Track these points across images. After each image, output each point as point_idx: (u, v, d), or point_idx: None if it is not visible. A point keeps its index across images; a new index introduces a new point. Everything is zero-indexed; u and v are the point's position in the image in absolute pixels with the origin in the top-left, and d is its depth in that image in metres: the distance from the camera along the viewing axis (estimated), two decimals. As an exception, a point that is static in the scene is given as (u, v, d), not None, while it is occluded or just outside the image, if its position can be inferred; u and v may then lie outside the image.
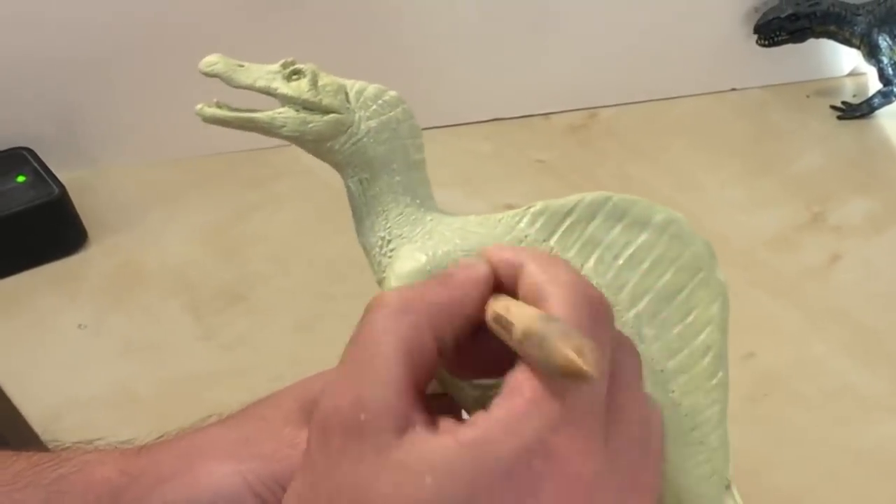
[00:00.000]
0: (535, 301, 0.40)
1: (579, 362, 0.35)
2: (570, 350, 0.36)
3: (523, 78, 1.22)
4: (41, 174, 1.07)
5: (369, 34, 1.16)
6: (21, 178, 1.06)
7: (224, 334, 0.94)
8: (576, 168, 1.13)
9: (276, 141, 0.51)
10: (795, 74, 1.26)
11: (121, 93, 1.15)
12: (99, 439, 0.58)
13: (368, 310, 0.40)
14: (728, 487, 0.50)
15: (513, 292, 0.42)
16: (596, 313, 0.40)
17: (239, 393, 0.57)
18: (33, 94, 1.12)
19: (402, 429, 0.37)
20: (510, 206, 0.48)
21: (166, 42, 1.11)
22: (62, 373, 0.91)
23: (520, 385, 0.37)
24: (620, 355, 0.41)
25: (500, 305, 0.41)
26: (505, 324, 0.40)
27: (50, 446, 0.59)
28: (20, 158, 1.09)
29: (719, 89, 1.26)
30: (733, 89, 1.26)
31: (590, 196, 0.48)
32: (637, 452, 0.40)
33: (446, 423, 0.38)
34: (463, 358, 0.42)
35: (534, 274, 0.41)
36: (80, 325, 0.96)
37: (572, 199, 0.48)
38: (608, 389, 0.39)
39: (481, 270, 0.42)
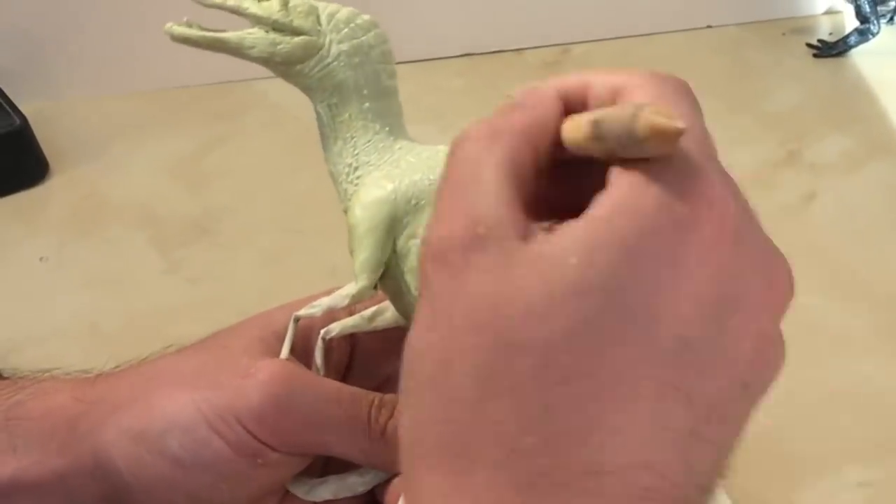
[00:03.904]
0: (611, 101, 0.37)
1: (662, 118, 0.32)
2: (650, 112, 0.32)
3: (495, 12, 1.20)
4: (2, 105, 1.05)
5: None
6: (-19, 109, 1.04)
7: (189, 268, 0.93)
8: (549, 104, 1.12)
9: (242, 74, 0.50)
10: (771, 12, 1.25)
11: (85, 23, 1.13)
12: (56, 368, 0.57)
13: (455, 146, 0.37)
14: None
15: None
16: (686, 96, 0.37)
17: (203, 327, 0.56)
18: (-7, 23, 1.10)
19: (524, 236, 0.34)
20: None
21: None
22: (23, 305, 0.90)
23: (619, 175, 0.34)
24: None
25: (574, 119, 0.37)
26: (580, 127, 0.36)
27: (6, 374, 0.58)
28: (-20, 89, 1.07)
29: (694, 26, 1.24)
30: (709, 26, 1.25)
31: None
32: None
33: (562, 222, 0.35)
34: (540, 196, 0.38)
35: (603, 80, 0.37)
36: (41, 258, 0.95)
37: None
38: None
39: (549, 91, 0.38)
